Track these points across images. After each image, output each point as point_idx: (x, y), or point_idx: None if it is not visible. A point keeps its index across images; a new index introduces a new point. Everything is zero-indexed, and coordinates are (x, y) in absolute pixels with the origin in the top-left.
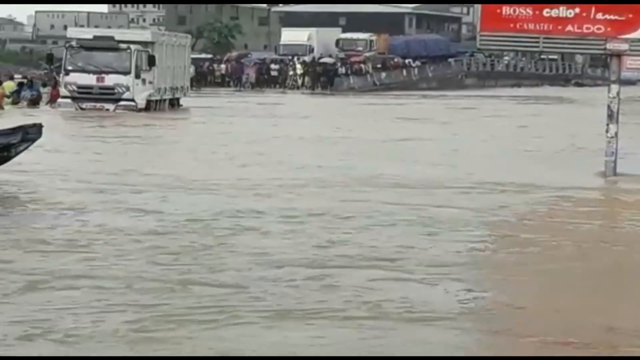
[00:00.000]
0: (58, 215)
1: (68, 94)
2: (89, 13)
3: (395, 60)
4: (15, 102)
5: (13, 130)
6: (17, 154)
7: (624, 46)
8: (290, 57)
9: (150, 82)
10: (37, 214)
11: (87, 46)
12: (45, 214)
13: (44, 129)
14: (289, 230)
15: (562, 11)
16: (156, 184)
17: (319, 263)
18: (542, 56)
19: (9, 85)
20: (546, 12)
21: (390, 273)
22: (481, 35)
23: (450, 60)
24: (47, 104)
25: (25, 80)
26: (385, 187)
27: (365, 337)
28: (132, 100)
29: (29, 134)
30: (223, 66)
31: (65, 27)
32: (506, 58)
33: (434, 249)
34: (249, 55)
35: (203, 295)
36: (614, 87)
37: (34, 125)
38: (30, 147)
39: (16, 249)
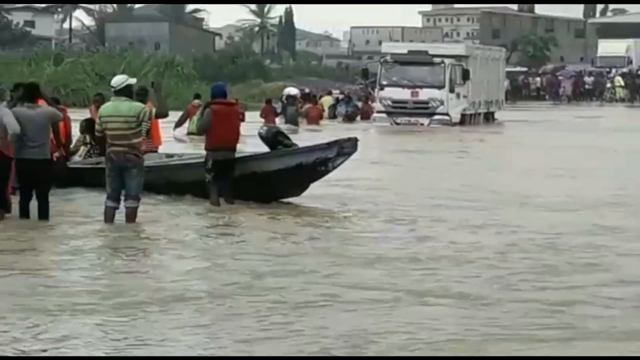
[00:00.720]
0: (393, 227)
1: (383, 108)
2: (403, 28)
3: None
4: (332, 117)
5: (329, 145)
6: (334, 168)
7: None
8: (607, 69)
9: (465, 96)
10: (376, 228)
11: (402, 61)
12: (383, 227)
13: (359, 143)
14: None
15: None
16: (492, 199)
17: None
18: None
19: (327, 101)
20: None
21: None
22: None
23: None
24: (360, 119)
25: (341, 96)
26: None
27: None
28: (447, 114)
29: (344, 148)
30: (538, 79)
31: (380, 43)
32: None
33: None
34: (565, 68)
35: (547, 312)
36: None
37: (349, 139)
38: (346, 161)
39: (360, 265)
